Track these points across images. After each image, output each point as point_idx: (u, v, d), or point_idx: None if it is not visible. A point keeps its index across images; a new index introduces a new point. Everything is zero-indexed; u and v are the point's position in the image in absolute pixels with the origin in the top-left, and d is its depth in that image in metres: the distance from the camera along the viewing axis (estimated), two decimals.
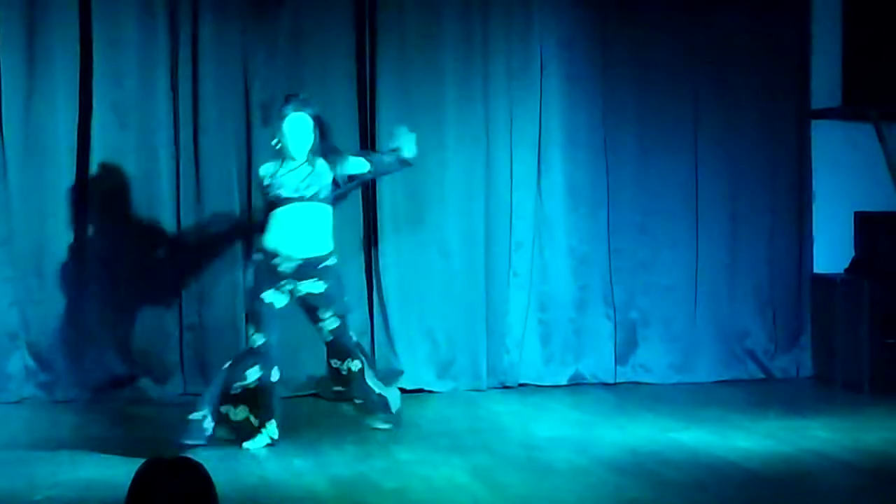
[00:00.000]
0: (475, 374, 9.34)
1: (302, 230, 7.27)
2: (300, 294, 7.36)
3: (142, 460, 3.23)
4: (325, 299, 7.37)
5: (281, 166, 7.35)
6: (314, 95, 9.05)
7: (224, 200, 9.12)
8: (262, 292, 7.30)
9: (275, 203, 7.30)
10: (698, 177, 9.67)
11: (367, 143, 9.25)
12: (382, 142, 9.24)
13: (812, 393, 9.28)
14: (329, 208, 7.37)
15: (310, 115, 7.38)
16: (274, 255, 7.25)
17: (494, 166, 9.41)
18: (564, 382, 9.43)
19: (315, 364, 9.12)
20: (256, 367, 7.38)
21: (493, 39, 9.39)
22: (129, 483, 3.16)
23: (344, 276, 9.17)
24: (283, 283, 7.29)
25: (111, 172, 8.98)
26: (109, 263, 8.99)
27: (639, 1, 9.55)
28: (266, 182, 7.34)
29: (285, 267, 7.27)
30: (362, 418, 7.61)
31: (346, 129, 9.20)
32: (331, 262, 7.38)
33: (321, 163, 7.36)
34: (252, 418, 7.44)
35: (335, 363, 7.55)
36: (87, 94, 8.94)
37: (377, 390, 7.53)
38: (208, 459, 4.80)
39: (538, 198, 9.47)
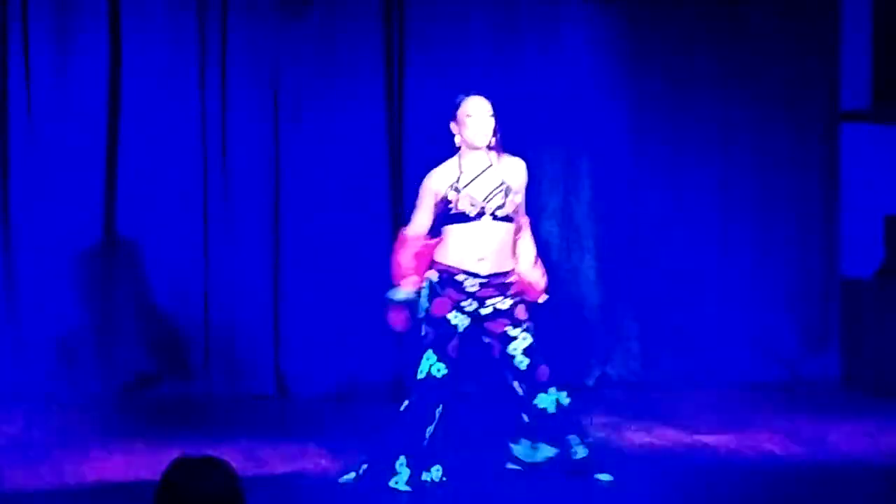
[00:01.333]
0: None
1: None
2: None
3: (169, 459, 3.23)
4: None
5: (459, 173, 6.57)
6: (341, 93, 9.14)
7: (252, 198, 9.13)
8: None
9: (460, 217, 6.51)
10: (727, 179, 9.64)
11: (396, 144, 9.25)
12: (410, 142, 9.25)
13: (840, 397, 9.24)
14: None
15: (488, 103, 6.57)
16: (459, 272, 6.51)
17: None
18: (591, 384, 9.41)
19: (341, 365, 9.14)
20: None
21: (523, 40, 9.37)
22: (156, 482, 3.16)
23: (373, 279, 9.24)
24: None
25: (139, 169, 9.01)
26: (137, 260, 9.02)
27: (669, 3, 9.52)
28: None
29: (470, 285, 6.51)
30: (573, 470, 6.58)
31: (373, 128, 9.22)
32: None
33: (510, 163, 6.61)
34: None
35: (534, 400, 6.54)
36: (116, 91, 8.97)
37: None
38: (233, 458, 4.80)
39: (565, 199, 9.46)
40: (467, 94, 6.58)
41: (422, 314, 6.58)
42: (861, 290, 9.51)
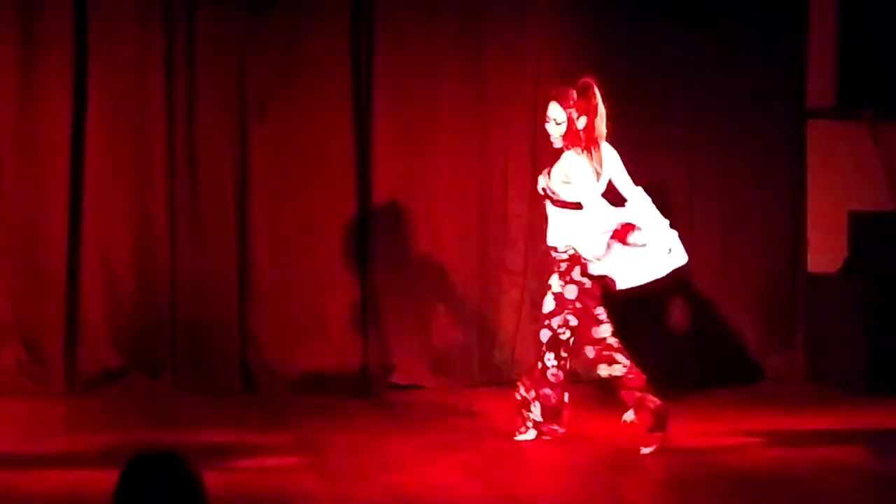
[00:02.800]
0: (469, 369, 9.34)
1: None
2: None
3: (132, 454, 3.22)
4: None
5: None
6: (308, 91, 9.13)
7: (219, 196, 9.12)
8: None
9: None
10: (693, 175, 9.67)
11: (363, 142, 9.25)
12: (378, 140, 9.25)
13: (806, 393, 9.27)
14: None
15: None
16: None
17: (489, 164, 9.40)
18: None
19: (306, 357, 9.15)
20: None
21: (490, 41, 9.38)
22: (118, 476, 3.15)
23: (337, 272, 9.22)
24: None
25: (106, 167, 8.99)
26: (103, 257, 9.00)
27: (635, 3, 9.54)
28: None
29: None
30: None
31: (340, 123, 9.22)
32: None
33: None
34: None
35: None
36: (83, 90, 8.95)
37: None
38: (198, 453, 4.80)
39: (531, 206, 9.46)
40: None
41: None
42: (826, 287, 9.54)
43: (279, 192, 9.19)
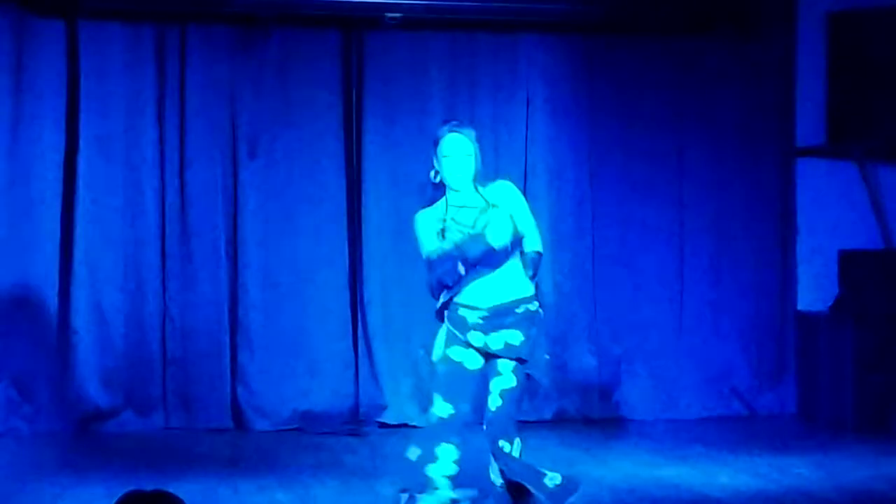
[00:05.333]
0: None
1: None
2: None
3: (123, 493, 3.23)
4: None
5: (446, 207, 6.05)
6: (300, 130, 9.17)
7: (210, 234, 9.13)
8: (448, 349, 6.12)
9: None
10: (683, 213, 9.70)
11: (354, 180, 9.27)
12: (368, 177, 9.28)
13: (795, 430, 9.28)
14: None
15: (469, 137, 6.05)
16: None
17: None
18: (549, 417, 9.42)
19: (298, 397, 9.15)
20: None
21: (480, 74, 9.43)
22: None
23: (328, 312, 9.22)
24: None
25: (97, 206, 8.99)
26: (95, 297, 9.00)
27: (626, 40, 9.59)
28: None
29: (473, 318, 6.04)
30: None
31: (331, 164, 9.25)
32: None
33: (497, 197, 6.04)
34: None
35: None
36: (74, 128, 8.97)
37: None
38: (189, 493, 4.79)
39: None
40: (447, 128, 6.07)
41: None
42: (816, 325, 9.56)
43: (270, 232, 9.21)
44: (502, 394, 5.91)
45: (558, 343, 9.47)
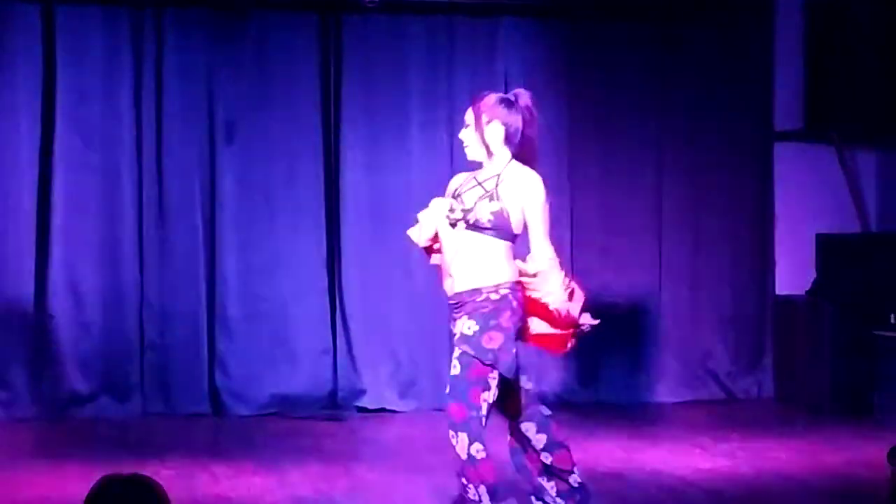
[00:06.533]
0: (438, 393, 9.32)
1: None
2: None
3: (99, 478, 3.21)
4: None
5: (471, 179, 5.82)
6: (277, 114, 9.14)
7: (187, 219, 9.10)
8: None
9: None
10: (662, 198, 9.70)
11: (332, 165, 9.26)
12: (346, 161, 9.26)
13: (773, 414, 9.31)
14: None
15: (472, 110, 5.82)
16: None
17: None
18: None
19: (276, 382, 9.14)
20: None
21: (458, 60, 9.41)
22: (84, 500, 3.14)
23: (306, 298, 9.20)
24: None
25: (74, 190, 8.96)
26: (71, 282, 8.96)
27: (605, 24, 9.58)
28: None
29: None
30: None
31: (309, 148, 9.23)
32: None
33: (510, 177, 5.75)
34: None
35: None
36: (51, 111, 8.92)
37: None
38: (166, 478, 4.77)
39: None
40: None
41: None
42: (794, 309, 9.58)
43: (248, 217, 9.18)
44: (447, 381, 5.66)
45: None
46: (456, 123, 9.31)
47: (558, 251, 9.62)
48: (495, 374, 5.61)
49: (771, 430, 8.55)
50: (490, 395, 5.59)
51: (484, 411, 5.55)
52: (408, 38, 9.35)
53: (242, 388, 9.14)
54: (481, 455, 5.51)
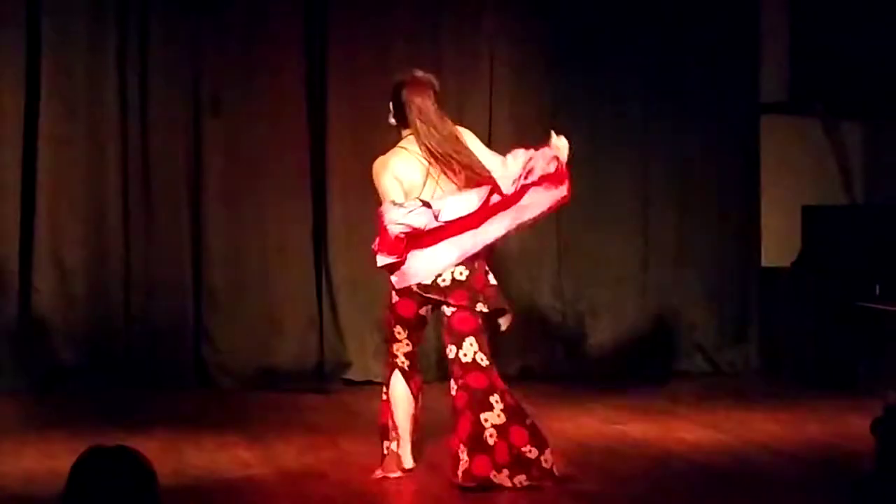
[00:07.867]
0: (425, 366, 9.32)
1: None
2: None
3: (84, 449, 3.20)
4: None
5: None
6: (263, 86, 9.11)
7: (172, 192, 9.09)
8: None
9: None
10: (648, 169, 9.70)
11: (318, 138, 9.24)
12: (333, 134, 9.24)
13: (758, 385, 9.32)
14: None
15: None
16: None
17: None
18: (514, 374, 9.42)
19: (262, 355, 9.14)
20: None
21: (444, 32, 9.39)
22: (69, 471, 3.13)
23: (292, 270, 9.19)
24: None
25: (59, 165, 8.94)
26: (56, 254, 8.95)
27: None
28: None
29: None
30: None
31: (295, 120, 9.21)
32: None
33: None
34: None
35: None
36: (35, 84, 8.89)
37: None
38: (152, 450, 4.77)
39: None
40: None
41: None
42: (780, 280, 9.59)
43: (234, 190, 9.17)
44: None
45: (523, 299, 9.48)
46: (442, 94, 9.32)
47: (545, 226, 9.64)
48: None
49: (756, 401, 8.56)
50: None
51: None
52: (393, 10, 9.32)
53: (228, 360, 9.14)
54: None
